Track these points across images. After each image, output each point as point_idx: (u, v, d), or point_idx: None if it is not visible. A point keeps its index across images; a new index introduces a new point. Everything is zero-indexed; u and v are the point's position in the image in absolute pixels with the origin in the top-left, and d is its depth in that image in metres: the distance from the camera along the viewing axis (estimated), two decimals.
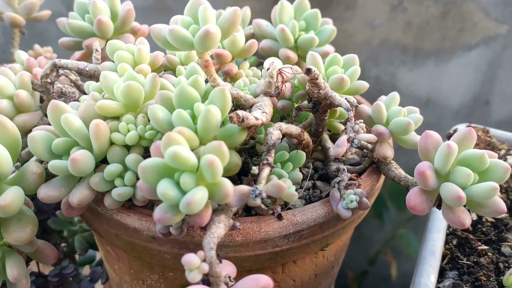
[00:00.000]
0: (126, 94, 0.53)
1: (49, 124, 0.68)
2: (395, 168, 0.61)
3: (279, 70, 0.60)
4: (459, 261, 0.64)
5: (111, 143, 0.53)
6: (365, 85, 0.64)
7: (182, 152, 0.44)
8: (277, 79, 0.60)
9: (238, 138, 0.52)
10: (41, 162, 0.57)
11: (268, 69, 0.59)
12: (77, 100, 0.64)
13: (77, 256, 0.90)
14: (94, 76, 0.69)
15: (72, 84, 0.74)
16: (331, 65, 0.64)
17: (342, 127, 0.70)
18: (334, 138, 0.71)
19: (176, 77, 0.67)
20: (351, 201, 0.55)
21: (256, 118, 0.51)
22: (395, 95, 0.62)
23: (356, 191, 0.55)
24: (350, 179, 0.58)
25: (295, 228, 0.55)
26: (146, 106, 0.56)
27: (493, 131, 0.84)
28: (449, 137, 0.80)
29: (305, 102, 0.61)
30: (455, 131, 0.81)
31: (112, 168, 0.52)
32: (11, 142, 0.52)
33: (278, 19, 0.82)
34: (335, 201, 0.56)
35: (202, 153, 0.47)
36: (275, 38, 0.82)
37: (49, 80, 0.67)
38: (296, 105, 0.61)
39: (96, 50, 0.70)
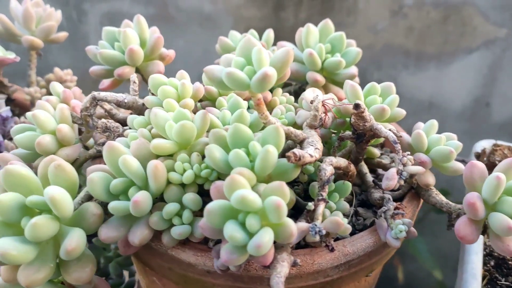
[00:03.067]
0: (180, 134, 0.54)
1: (90, 157, 0.69)
2: (436, 194, 0.63)
3: (322, 102, 0.61)
4: (497, 282, 0.66)
5: (167, 182, 0.54)
6: (402, 112, 0.66)
7: (249, 196, 0.45)
8: None
9: (292, 174, 0.53)
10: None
11: (311, 101, 0.60)
12: (121, 134, 0.65)
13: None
14: (132, 108, 0.70)
15: (106, 114, 0.75)
16: (370, 94, 0.65)
17: (377, 152, 0.71)
18: (367, 162, 0.73)
19: (216, 107, 0.68)
20: (400, 231, 0.56)
21: (311, 156, 0.52)
22: (434, 123, 0.64)
23: (405, 221, 0.57)
24: (395, 207, 0.60)
25: (346, 259, 0.57)
26: (197, 143, 0.57)
27: None
28: (477, 156, 0.82)
29: (348, 132, 0.63)
30: (483, 150, 0.83)
31: (171, 207, 0.53)
32: (69, 184, 0.52)
33: (305, 43, 0.84)
34: (383, 231, 0.58)
35: (264, 193, 0.48)
36: (301, 61, 0.84)
37: (88, 113, 0.68)
38: (339, 135, 0.62)
39: (134, 82, 0.71)
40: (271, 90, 0.77)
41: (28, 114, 0.65)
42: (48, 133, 0.66)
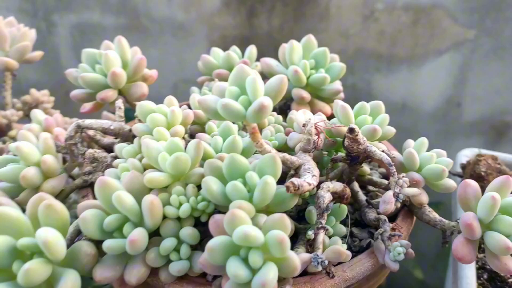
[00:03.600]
0: (175, 166, 0.53)
1: (76, 187, 0.67)
2: (429, 212, 0.63)
3: (314, 125, 0.60)
4: None
5: (163, 217, 0.53)
6: (392, 130, 0.66)
7: (251, 232, 0.44)
8: None
9: (291, 203, 0.53)
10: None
11: (304, 125, 0.60)
12: (110, 164, 0.63)
13: None
14: (119, 134, 0.68)
15: (90, 139, 0.73)
16: (360, 114, 0.65)
17: (368, 169, 0.72)
18: (357, 179, 0.73)
19: (206, 131, 0.67)
20: (399, 254, 0.56)
21: (309, 184, 0.51)
22: (424, 141, 0.64)
23: (402, 243, 0.57)
24: (392, 229, 0.60)
25: (345, 284, 0.56)
26: (192, 174, 0.55)
27: (500, 156, 0.87)
28: (463, 167, 0.83)
29: (341, 154, 0.62)
30: (468, 162, 0.84)
31: (168, 243, 0.52)
32: (61, 224, 0.50)
33: (289, 59, 0.83)
34: (381, 253, 0.58)
35: (265, 226, 0.47)
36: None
37: (73, 142, 0.66)
38: (333, 157, 0.62)
39: (120, 107, 0.69)
40: None
41: (11, 146, 0.63)
42: (32, 165, 0.63)
